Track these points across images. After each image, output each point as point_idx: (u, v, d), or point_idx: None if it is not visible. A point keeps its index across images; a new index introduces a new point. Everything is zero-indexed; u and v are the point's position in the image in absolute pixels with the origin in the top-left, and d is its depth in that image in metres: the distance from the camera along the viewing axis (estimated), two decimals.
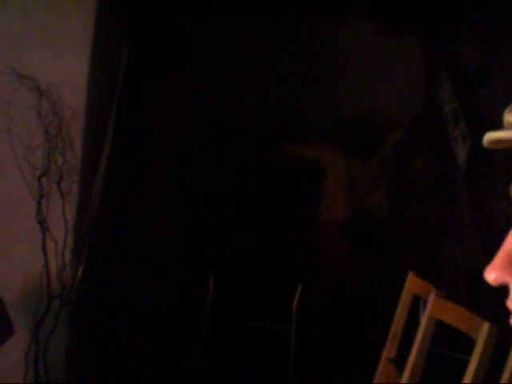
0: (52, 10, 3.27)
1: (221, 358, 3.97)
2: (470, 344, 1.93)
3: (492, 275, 0.58)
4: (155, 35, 3.82)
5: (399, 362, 2.32)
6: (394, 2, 4.37)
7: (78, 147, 3.30)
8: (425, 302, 2.27)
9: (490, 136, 0.59)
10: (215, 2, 4.50)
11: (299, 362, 3.79)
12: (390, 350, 2.34)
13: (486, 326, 1.81)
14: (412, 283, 2.36)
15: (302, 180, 5.06)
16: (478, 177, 3.72)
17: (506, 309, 0.59)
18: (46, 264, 3.20)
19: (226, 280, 4.02)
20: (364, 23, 4.59)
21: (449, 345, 2.64)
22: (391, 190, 4.58)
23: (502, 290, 0.61)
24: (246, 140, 5.05)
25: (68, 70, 3.26)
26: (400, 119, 4.68)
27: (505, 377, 1.74)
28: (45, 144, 3.24)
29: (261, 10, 4.67)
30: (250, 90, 4.84)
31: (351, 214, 4.71)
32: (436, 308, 2.01)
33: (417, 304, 2.78)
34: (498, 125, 0.60)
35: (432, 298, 2.03)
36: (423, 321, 2.04)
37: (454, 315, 1.97)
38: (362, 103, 4.70)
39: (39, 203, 3.22)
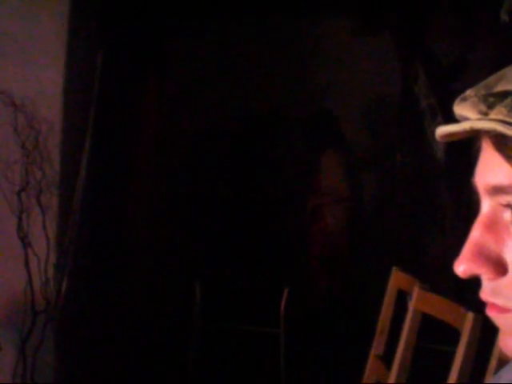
0: (23, 19, 3.22)
1: (212, 364, 3.95)
2: (456, 335, 1.92)
3: (461, 268, 0.58)
4: (130, 38, 3.78)
5: (388, 358, 2.31)
6: None
7: (55, 160, 3.27)
8: (411, 297, 2.27)
9: (442, 130, 0.58)
10: (192, 3, 4.48)
11: (290, 364, 3.78)
12: (377, 346, 2.33)
13: (470, 316, 1.81)
14: (396, 278, 2.36)
15: (285, 182, 5.05)
16: (455, 168, 3.75)
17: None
18: (30, 280, 3.17)
19: (213, 287, 4.00)
20: (338, 21, 4.61)
21: (435, 338, 2.64)
22: (371, 185, 4.58)
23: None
24: (234, 143, 5.03)
25: (42, 82, 3.22)
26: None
27: (491, 365, 1.73)
28: (22, 159, 3.21)
29: (238, 11, 4.67)
30: (232, 90, 4.83)
31: (337, 213, 4.69)
32: (420, 301, 2.01)
33: (404, 299, 2.78)
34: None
35: (416, 290, 2.03)
36: (408, 314, 2.04)
37: (439, 307, 1.97)
38: (336, 100, 4.70)
39: (19, 219, 3.19)
